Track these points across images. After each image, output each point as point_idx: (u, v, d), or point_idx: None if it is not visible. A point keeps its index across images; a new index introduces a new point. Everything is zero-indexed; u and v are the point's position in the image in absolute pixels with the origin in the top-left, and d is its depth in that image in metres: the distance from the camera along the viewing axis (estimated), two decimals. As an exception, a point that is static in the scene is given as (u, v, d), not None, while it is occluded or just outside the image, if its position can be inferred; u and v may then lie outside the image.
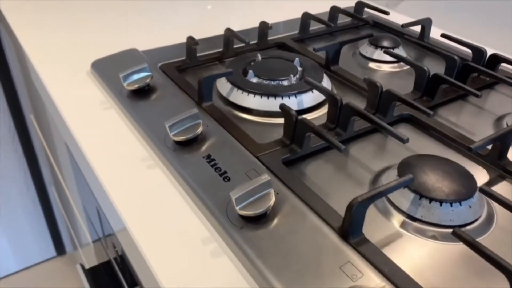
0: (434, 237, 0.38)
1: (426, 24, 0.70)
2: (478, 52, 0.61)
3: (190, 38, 0.63)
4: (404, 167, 0.42)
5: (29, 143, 1.22)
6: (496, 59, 0.60)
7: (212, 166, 0.44)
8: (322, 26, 0.76)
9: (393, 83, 0.62)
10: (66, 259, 1.49)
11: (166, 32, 0.76)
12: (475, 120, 0.54)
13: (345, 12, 0.73)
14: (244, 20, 0.82)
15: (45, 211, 1.37)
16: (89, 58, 0.66)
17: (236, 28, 0.73)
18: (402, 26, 0.68)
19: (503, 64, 0.62)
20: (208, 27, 0.79)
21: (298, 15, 0.79)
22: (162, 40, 0.73)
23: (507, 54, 0.72)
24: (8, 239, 1.35)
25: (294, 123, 0.46)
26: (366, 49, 0.67)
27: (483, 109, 0.57)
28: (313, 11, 0.82)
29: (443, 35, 0.65)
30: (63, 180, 1.07)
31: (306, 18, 0.72)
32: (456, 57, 0.57)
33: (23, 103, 1.16)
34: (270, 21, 0.75)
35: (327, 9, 0.77)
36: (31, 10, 0.84)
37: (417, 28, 0.71)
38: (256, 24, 0.73)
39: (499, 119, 0.55)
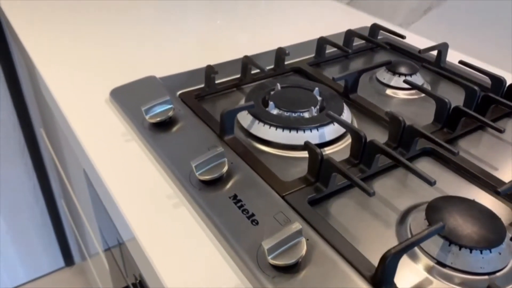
0: (463, 285, 0.38)
1: (442, 49, 0.70)
2: (497, 81, 0.61)
3: (209, 67, 0.63)
4: (432, 211, 0.42)
5: (39, 156, 1.22)
6: (516, 89, 0.60)
7: (239, 207, 0.44)
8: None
9: (410, 111, 0.62)
10: (74, 269, 1.49)
11: (180, 54, 0.77)
12: (496, 153, 0.55)
13: (360, 36, 0.73)
14: (254, 35, 0.82)
15: (54, 223, 1.37)
16: (106, 84, 0.66)
17: (249, 45, 0.73)
18: (419, 52, 0.68)
19: (522, 92, 0.62)
20: (221, 45, 0.79)
21: (307, 31, 0.79)
22: (177, 64, 0.73)
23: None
24: (18, 251, 1.35)
25: (320, 162, 0.46)
26: (384, 75, 0.67)
27: (503, 140, 0.57)
28: (321, 27, 0.82)
29: (461, 62, 0.65)
30: (74, 195, 1.07)
31: (322, 42, 0.72)
32: (476, 88, 0.57)
33: (33, 117, 1.16)
34: (280, 37, 0.75)
35: (336, 26, 0.77)
36: (45, 31, 0.84)
37: (434, 51, 0.71)
38: (266, 38, 0.74)
39: (521, 151, 0.55)
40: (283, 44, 0.80)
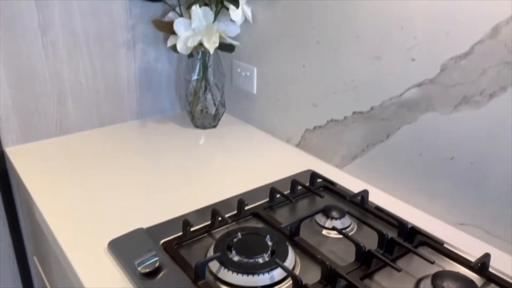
0: None
1: (364, 194, 0.92)
2: (402, 224, 0.82)
3: (186, 221, 0.82)
4: None
5: (30, 282, 1.34)
6: (414, 231, 0.81)
7: None
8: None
9: (340, 249, 0.82)
10: None
11: (161, 203, 0.96)
12: (400, 283, 0.74)
13: (302, 185, 0.94)
14: (220, 182, 1.03)
15: None
16: (104, 234, 0.83)
17: (216, 192, 0.93)
18: (346, 198, 0.90)
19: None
20: (192, 194, 0.99)
21: (264, 173, 1.01)
22: (160, 212, 0.92)
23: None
24: None
25: (268, 304, 0.64)
26: (320, 218, 0.88)
27: (408, 272, 0.76)
28: (275, 168, 1.04)
29: (376, 208, 0.86)
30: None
31: (273, 191, 0.93)
32: (384, 233, 0.78)
33: (27, 247, 1.30)
34: (242, 181, 0.96)
35: (288, 167, 0.99)
36: (50, 181, 1.03)
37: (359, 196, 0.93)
38: (230, 183, 0.94)
39: (418, 281, 0.74)
40: (245, 186, 1.01)
